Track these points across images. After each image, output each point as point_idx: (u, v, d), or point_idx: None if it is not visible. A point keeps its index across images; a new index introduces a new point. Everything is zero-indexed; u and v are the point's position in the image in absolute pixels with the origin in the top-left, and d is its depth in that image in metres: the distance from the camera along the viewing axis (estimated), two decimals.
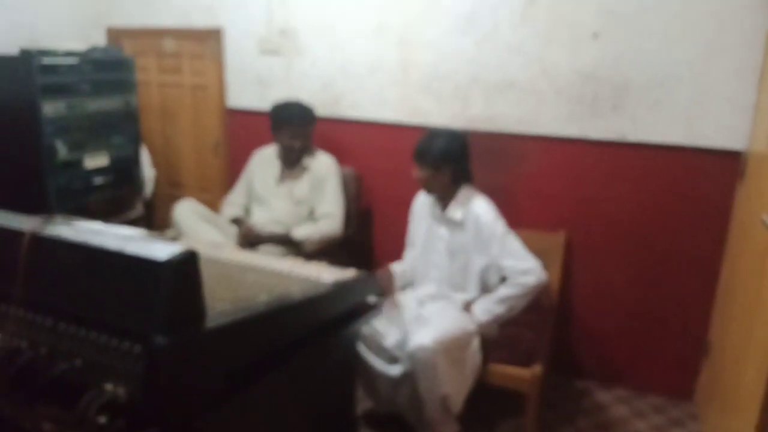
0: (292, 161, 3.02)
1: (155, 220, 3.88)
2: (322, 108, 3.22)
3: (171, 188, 4.02)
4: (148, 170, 3.77)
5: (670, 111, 2.60)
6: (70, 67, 3.01)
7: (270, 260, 2.06)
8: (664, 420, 2.72)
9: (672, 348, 2.82)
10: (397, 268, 2.65)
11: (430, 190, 2.44)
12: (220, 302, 1.45)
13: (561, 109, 2.80)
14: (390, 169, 3.20)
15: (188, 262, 1.24)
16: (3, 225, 1.42)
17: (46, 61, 2.88)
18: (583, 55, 2.70)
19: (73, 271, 1.34)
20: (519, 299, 2.32)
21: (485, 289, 2.42)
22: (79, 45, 3.26)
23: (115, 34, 3.97)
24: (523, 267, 2.31)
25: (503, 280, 2.38)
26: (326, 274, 1.88)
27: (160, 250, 1.23)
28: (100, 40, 3.93)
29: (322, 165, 3.03)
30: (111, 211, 3.33)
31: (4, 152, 3.07)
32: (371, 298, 2.03)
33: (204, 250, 2.09)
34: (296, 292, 1.66)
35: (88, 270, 1.31)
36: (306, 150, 3.02)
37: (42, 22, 3.59)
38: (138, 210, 3.57)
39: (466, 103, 2.99)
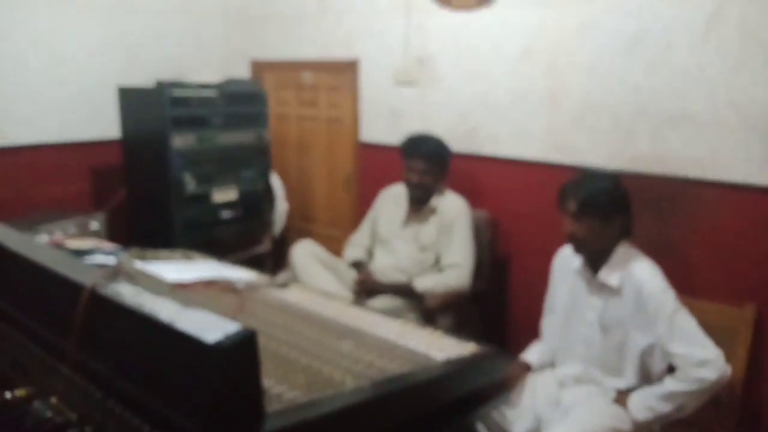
0: (416, 200, 2.75)
1: (287, 254, 3.79)
2: (456, 142, 2.91)
3: (303, 222, 3.95)
4: (281, 204, 3.71)
5: None
6: (203, 99, 3.01)
7: (377, 321, 1.76)
8: None
9: None
10: (533, 356, 2.19)
11: (588, 247, 1.97)
12: (293, 389, 1.16)
13: (755, 149, 2.23)
14: (531, 213, 2.80)
15: (244, 347, 0.97)
16: (67, 275, 1.27)
17: (177, 93, 2.89)
18: None
19: (124, 338, 1.14)
20: (692, 397, 1.79)
21: (646, 376, 1.91)
22: (215, 77, 3.26)
23: (259, 67, 4.02)
24: (699, 357, 1.77)
25: (671, 368, 1.85)
26: (438, 350, 1.53)
27: (212, 328, 0.97)
28: (244, 72, 3.99)
29: (452, 207, 2.71)
30: (238, 246, 3.26)
31: (136, 184, 3.13)
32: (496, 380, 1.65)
33: (309, 301, 1.88)
34: (394, 374, 1.33)
35: (137, 341, 1.10)
36: (433, 189, 2.73)
37: (189, 56, 3.71)
38: (265, 245, 3.49)
39: (629, 140, 2.51)
